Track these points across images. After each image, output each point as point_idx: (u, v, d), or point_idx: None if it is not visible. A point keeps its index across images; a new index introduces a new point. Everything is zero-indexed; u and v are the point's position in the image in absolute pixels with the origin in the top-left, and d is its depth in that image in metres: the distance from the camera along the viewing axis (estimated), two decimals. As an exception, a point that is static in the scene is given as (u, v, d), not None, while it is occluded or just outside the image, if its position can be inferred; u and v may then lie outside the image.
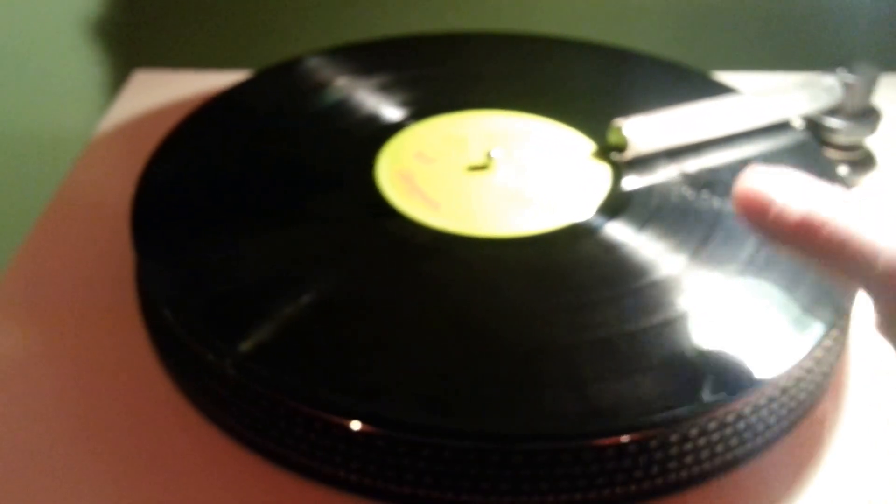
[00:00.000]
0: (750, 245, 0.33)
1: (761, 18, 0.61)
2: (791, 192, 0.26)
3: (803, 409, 0.31)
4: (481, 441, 0.26)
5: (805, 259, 0.26)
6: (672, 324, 0.29)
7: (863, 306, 0.30)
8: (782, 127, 0.41)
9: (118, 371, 0.33)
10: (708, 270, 0.32)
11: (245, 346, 0.29)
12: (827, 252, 0.25)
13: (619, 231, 0.34)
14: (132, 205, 0.35)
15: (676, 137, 0.38)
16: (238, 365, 0.28)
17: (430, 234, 0.34)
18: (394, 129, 0.40)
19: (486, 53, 0.48)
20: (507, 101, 0.42)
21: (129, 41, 0.62)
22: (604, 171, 0.38)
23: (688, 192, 0.36)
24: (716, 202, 0.35)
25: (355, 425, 0.26)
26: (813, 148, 0.40)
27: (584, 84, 0.45)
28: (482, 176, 0.37)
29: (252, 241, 0.34)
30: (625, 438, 0.26)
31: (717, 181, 0.37)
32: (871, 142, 0.44)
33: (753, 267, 0.32)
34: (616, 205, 0.35)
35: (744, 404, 0.28)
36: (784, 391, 0.29)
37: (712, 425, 0.27)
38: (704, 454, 0.28)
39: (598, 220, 0.34)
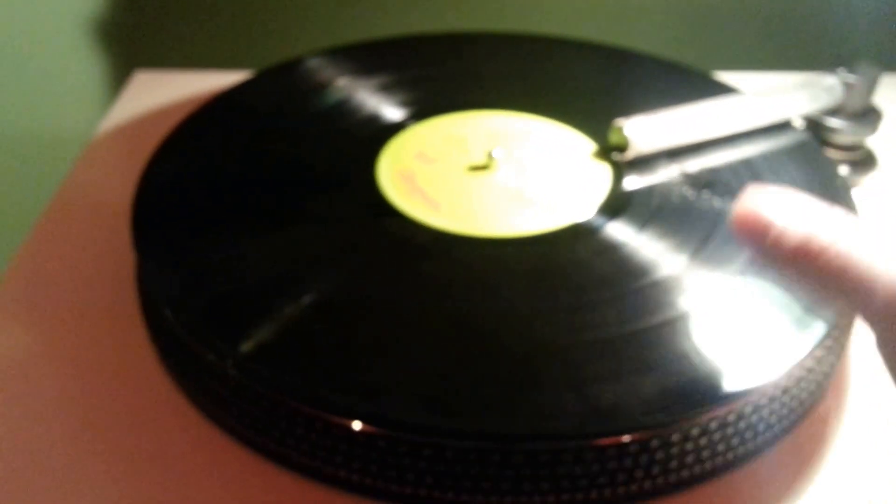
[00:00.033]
0: (751, 245, 0.33)
1: (762, 18, 0.61)
2: (790, 214, 0.25)
3: (804, 408, 0.31)
4: (482, 441, 0.26)
5: (803, 283, 0.26)
6: (673, 324, 0.29)
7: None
8: (783, 127, 0.41)
9: (119, 371, 0.33)
10: (709, 270, 0.32)
11: (246, 346, 0.28)
12: (824, 278, 0.25)
13: (619, 231, 0.34)
14: (133, 205, 0.35)
15: (677, 137, 0.38)
16: (239, 365, 0.28)
17: (430, 234, 0.34)
18: (394, 129, 0.40)
19: (487, 53, 0.48)
20: (508, 101, 0.42)
21: (130, 41, 0.62)
22: (604, 171, 0.38)
23: (688, 192, 0.36)
24: (716, 202, 0.35)
25: (356, 425, 0.26)
26: (814, 148, 0.40)
27: (585, 84, 0.45)
28: (483, 176, 0.37)
29: (253, 241, 0.34)
30: (626, 438, 0.26)
31: (717, 181, 0.37)
32: (872, 142, 0.44)
33: (754, 267, 0.32)
34: (617, 205, 0.35)
35: (745, 404, 0.28)
36: (785, 391, 0.29)
37: (713, 425, 0.27)
38: (705, 454, 0.28)
39: (599, 220, 0.34)
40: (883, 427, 0.32)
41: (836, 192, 0.36)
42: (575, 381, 0.28)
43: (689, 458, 0.28)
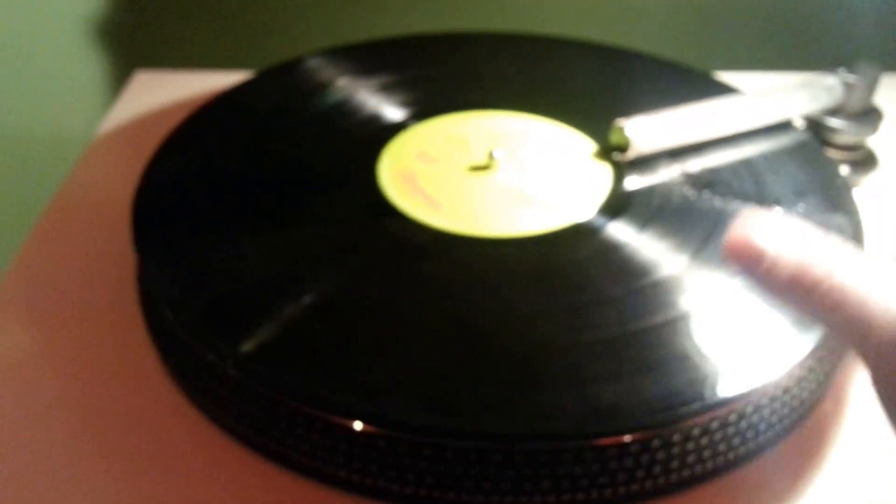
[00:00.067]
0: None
1: (763, 18, 0.61)
2: (784, 243, 0.24)
3: (805, 408, 0.31)
4: (483, 441, 0.26)
5: (799, 311, 0.25)
6: (674, 323, 0.29)
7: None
8: (784, 127, 0.41)
9: (119, 371, 0.33)
10: (709, 270, 0.32)
11: (246, 346, 0.28)
12: (818, 313, 0.24)
13: (620, 231, 0.34)
14: (133, 205, 0.35)
15: (678, 137, 0.38)
16: (239, 365, 0.28)
17: (431, 234, 0.34)
18: (395, 129, 0.40)
19: (487, 53, 0.48)
20: (509, 101, 0.42)
21: (131, 41, 0.62)
22: (605, 171, 0.38)
23: (689, 192, 0.36)
24: (717, 202, 0.35)
25: (356, 425, 0.26)
26: (814, 148, 0.40)
27: (586, 84, 0.45)
28: (484, 176, 0.37)
29: (253, 241, 0.34)
30: (627, 438, 0.26)
31: (718, 181, 0.37)
32: (873, 142, 0.44)
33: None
34: (618, 205, 0.35)
35: (746, 404, 0.28)
36: (786, 391, 0.29)
37: (714, 425, 0.27)
38: (706, 454, 0.28)
39: (600, 220, 0.34)
40: (883, 427, 0.31)
41: (836, 193, 0.36)
42: (576, 381, 0.28)
43: (691, 458, 0.28)
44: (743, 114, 0.40)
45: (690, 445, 0.27)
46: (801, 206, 0.35)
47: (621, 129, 0.38)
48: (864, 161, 0.44)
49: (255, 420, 0.29)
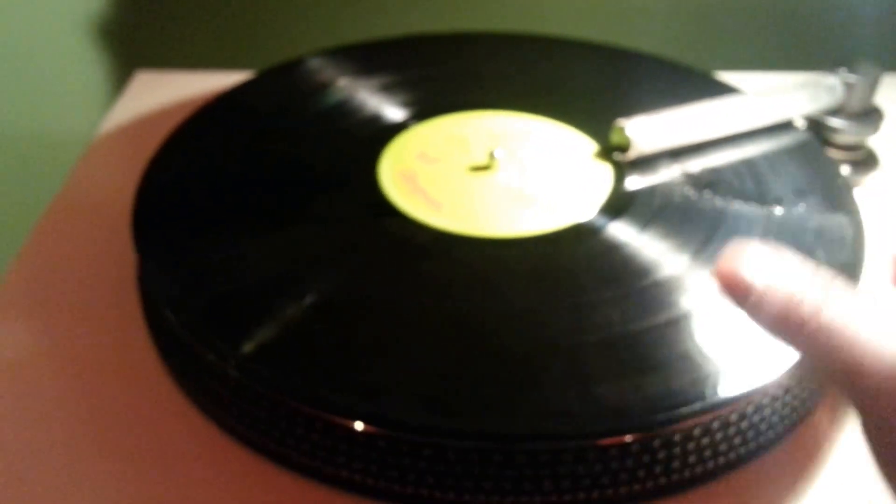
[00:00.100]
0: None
1: (764, 18, 0.61)
2: (772, 277, 0.24)
3: (806, 408, 0.31)
4: (484, 441, 0.26)
5: (790, 346, 0.24)
6: (675, 323, 0.29)
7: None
8: (785, 127, 0.41)
9: (120, 371, 0.33)
10: (710, 270, 0.32)
11: (247, 346, 0.28)
12: (806, 352, 0.23)
13: (621, 231, 0.34)
14: (134, 205, 0.35)
15: (679, 137, 0.38)
16: (240, 365, 0.28)
17: (432, 235, 0.34)
18: (396, 129, 0.40)
19: (488, 53, 0.48)
20: (510, 101, 0.42)
21: (131, 41, 0.62)
22: (606, 171, 0.38)
23: (690, 192, 0.36)
24: (718, 202, 0.35)
25: (357, 425, 0.26)
26: (815, 148, 0.40)
27: (587, 84, 0.45)
28: (485, 176, 0.37)
29: (254, 241, 0.34)
30: (628, 438, 0.26)
31: (719, 181, 0.37)
32: (874, 142, 0.44)
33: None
34: (619, 205, 0.35)
35: (747, 404, 0.28)
36: (787, 390, 0.29)
37: (716, 424, 0.27)
38: (708, 454, 0.28)
39: (601, 220, 0.34)
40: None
41: (837, 192, 0.36)
42: (576, 380, 0.28)
43: (692, 458, 0.28)
44: (744, 114, 0.40)
45: (691, 445, 0.27)
46: (801, 206, 0.35)
47: (622, 129, 0.38)
48: (865, 161, 0.44)
49: (256, 420, 0.29)
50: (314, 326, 0.30)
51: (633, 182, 0.37)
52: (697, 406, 0.27)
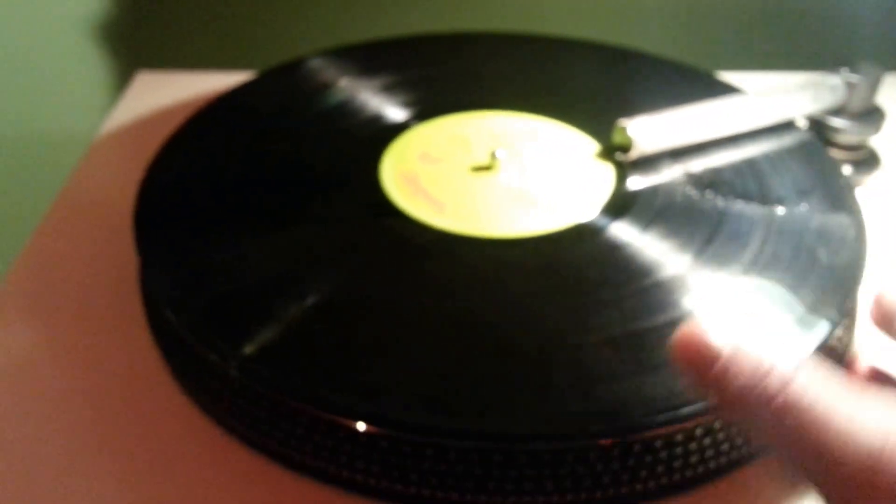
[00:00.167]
0: (754, 244, 0.33)
1: (765, 18, 0.61)
2: (741, 347, 0.22)
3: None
4: (485, 441, 0.26)
5: (747, 426, 0.22)
6: (677, 323, 0.29)
7: (867, 304, 0.30)
8: (786, 127, 0.41)
9: (121, 371, 0.33)
10: (712, 270, 0.32)
11: (248, 346, 0.28)
12: (771, 432, 0.21)
13: (623, 231, 0.34)
14: (135, 206, 0.35)
15: (681, 137, 0.38)
16: (241, 366, 0.28)
17: (434, 235, 0.34)
18: (397, 129, 0.40)
19: (489, 54, 0.48)
20: (511, 101, 0.42)
21: (133, 42, 0.62)
22: (608, 171, 0.38)
23: (692, 192, 0.36)
24: (720, 202, 0.35)
25: (359, 426, 0.26)
26: (817, 148, 0.40)
27: (589, 84, 0.45)
28: (487, 176, 0.37)
29: (256, 241, 0.34)
30: (630, 438, 0.26)
31: (721, 181, 0.37)
32: (876, 141, 0.44)
33: (758, 266, 0.32)
34: (620, 205, 0.35)
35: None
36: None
37: (717, 424, 0.27)
38: (709, 453, 0.28)
39: (603, 220, 0.34)
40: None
41: (839, 192, 0.36)
42: (578, 380, 0.27)
43: (693, 458, 0.28)
44: (746, 114, 0.40)
45: (693, 445, 0.27)
46: (803, 206, 0.35)
47: (624, 129, 0.38)
48: (867, 161, 0.44)
49: (257, 420, 0.29)
50: (316, 327, 0.30)
51: (635, 182, 0.37)
52: (699, 406, 0.27)
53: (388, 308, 0.30)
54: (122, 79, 0.61)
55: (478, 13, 0.61)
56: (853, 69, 0.42)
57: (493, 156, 0.37)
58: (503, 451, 0.26)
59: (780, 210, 0.35)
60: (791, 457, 0.21)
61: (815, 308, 0.30)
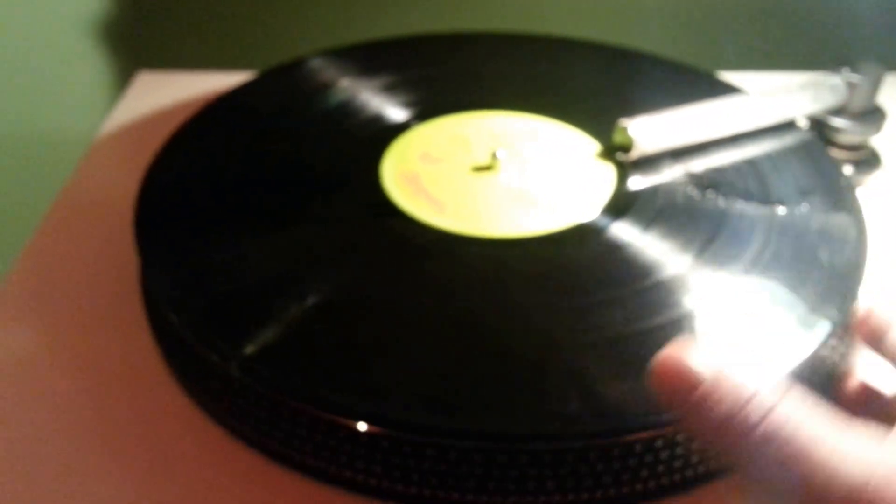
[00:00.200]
0: (755, 244, 0.33)
1: (766, 18, 0.61)
2: (723, 372, 0.21)
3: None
4: (487, 441, 0.26)
5: (727, 457, 0.21)
6: (678, 323, 0.29)
7: (868, 303, 0.30)
8: (787, 127, 0.41)
9: (122, 372, 0.33)
10: (713, 270, 0.32)
11: (249, 347, 0.28)
12: (753, 462, 0.20)
13: (624, 231, 0.34)
14: (135, 206, 0.35)
15: (681, 137, 0.38)
16: (242, 366, 0.28)
17: (435, 235, 0.34)
18: (398, 129, 0.40)
19: (490, 54, 0.48)
20: (512, 101, 0.42)
21: (133, 42, 0.62)
22: (609, 171, 0.38)
23: (693, 192, 0.36)
24: (721, 202, 0.35)
25: (360, 426, 0.26)
26: (818, 148, 0.40)
27: (589, 84, 0.45)
28: (487, 176, 0.37)
29: (256, 241, 0.34)
30: (631, 438, 0.26)
31: (722, 181, 0.37)
32: (877, 141, 0.44)
33: (759, 266, 0.32)
34: (621, 205, 0.35)
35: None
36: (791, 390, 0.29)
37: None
38: (711, 453, 0.28)
39: (604, 220, 0.34)
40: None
41: (840, 192, 0.36)
42: (580, 381, 0.27)
43: (695, 458, 0.28)
44: (746, 114, 0.40)
45: (695, 445, 0.27)
46: (804, 206, 0.35)
47: (625, 129, 0.38)
48: (868, 161, 0.44)
49: (258, 420, 0.29)
50: (316, 327, 0.30)
51: (636, 182, 0.37)
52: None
53: (388, 308, 0.30)
54: (123, 79, 0.61)
55: (478, 13, 0.61)
56: (854, 69, 0.42)
57: (494, 156, 0.37)
58: (503, 451, 0.26)
59: (781, 210, 0.35)
60: (771, 487, 0.20)
61: (816, 307, 0.30)
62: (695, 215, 0.35)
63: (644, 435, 0.26)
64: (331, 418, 0.27)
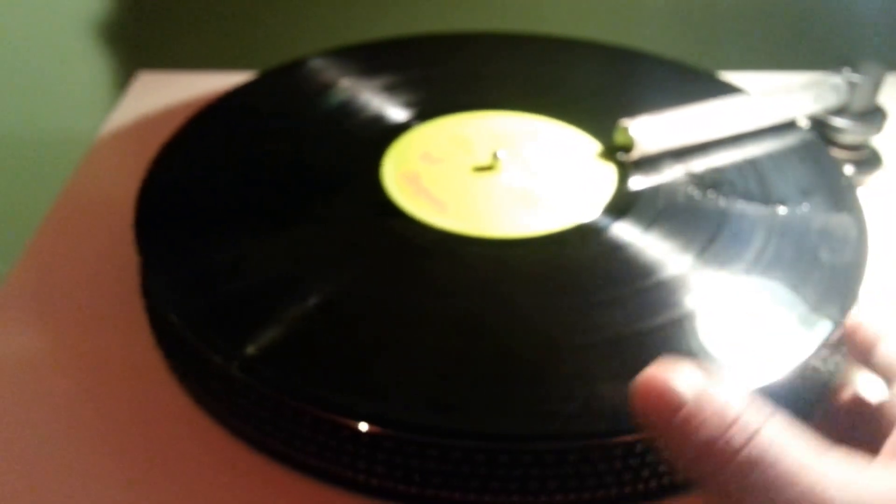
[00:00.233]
0: (756, 244, 0.33)
1: (767, 18, 0.61)
2: (707, 395, 0.21)
3: (811, 405, 0.31)
4: (489, 441, 0.26)
5: (708, 485, 0.20)
6: (679, 323, 0.29)
7: (870, 303, 0.30)
8: (788, 127, 0.41)
9: (123, 372, 0.33)
10: (714, 270, 0.32)
11: (251, 347, 0.28)
12: (735, 489, 0.20)
13: (625, 231, 0.34)
14: (136, 206, 0.35)
15: (682, 137, 0.38)
16: (243, 366, 0.28)
17: (436, 235, 0.34)
18: (399, 129, 0.40)
19: (491, 54, 0.48)
20: (513, 101, 0.42)
21: (134, 42, 0.62)
22: (610, 171, 0.38)
23: (694, 192, 0.36)
24: (722, 202, 0.35)
25: (361, 426, 0.26)
26: (819, 148, 0.40)
27: (590, 84, 0.45)
28: (488, 176, 0.37)
29: (257, 242, 0.34)
30: (632, 438, 0.26)
31: (723, 181, 0.37)
32: (877, 141, 0.44)
33: (760, 266, 0.32)
34: (622, 205, 0.35)
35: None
36: (791, 389, 0.29)
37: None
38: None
39: (605, 221, 0.34)
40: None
41: (841, 192, 0.36)
42: (581, 380, 0.27)
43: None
44: (747, 114, 0.40)
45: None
46: (805, 206, 0.35)
47: (626, 129, 0.38)
48: (869, 160, 0.44)
49: (260, 421, 0.29)
50: (318, 327, 0.30)
51: (637, 182, 0.37)
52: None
53: (389, 308, 0.30)
54: (123, 79, 0.61)
55: (478, 13, 0.61)
56: (855, 69, 0.42)
57: (495, 156, 0.37)
58: (504, 451, 0.26)
59: (782, 210, 0.35)
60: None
61: (817, 307, 0.30)
62: (696, 215, 0.35)
63: (645, 434, 0.26)
64: (332, 418, 0.27)
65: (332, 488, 0.28)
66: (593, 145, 0.39)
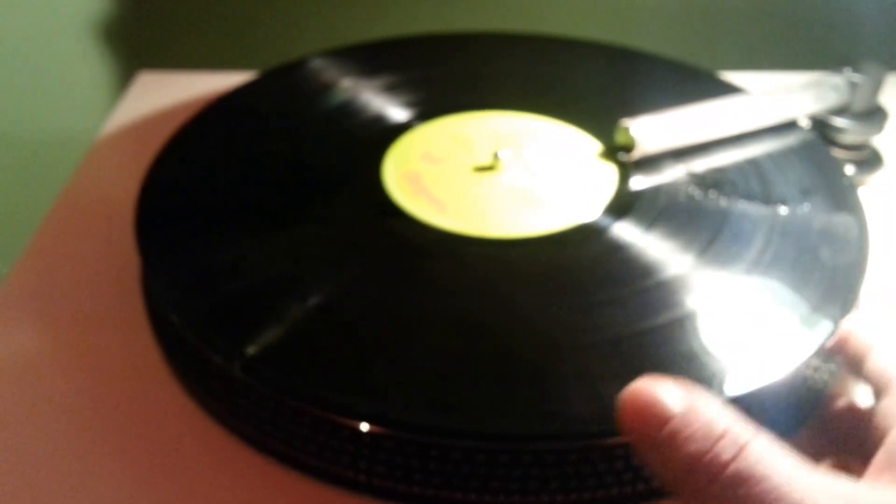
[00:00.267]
0: (757, 244, 0.33)
1: (768, 18, 0.61)
2: (695, 410, 0.20)
3: (812, 405, 0.31)
4: (489, 441, 0.26)
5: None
6: (679, 323, 0.29)
7: (871, 302, 0.30)
8: (789, 126, 0.41)
9: (124, 372, 0.33)
10: (715, 270, 0.32)
11: (251, 347, 0.28)
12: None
13: (626, 231, 0.34)
14: (136, 206, 0.35)
15: (683, 137, 0.38)
16: (244, 366, 0.28)
17: (437, 235, 0.34)
18: (400, 129, 0.40)
19: (492, 53, 0.48)
20: (514, 101, 0.42)
21: (134, 42, 0.62)
22: (611, 171, 0.37)
23: (695, 192, 0.36)
24: (723, 202, 0.35)
25: (362, 426, 0.26)
26: (820, 147, 0.40)
27: (591, 84, 0.45)
28: (489, 176, 0.37)
29: (258, 242, 0.34)
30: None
31: (724, 181, 0.37)
32: (878, 141, 0.44)
33: (761, 266, 0.32)
34: (623, 205, 0.35)
35: (752, 402, 0.28)
36: (792, 389, 0.29)
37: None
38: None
39: (606, 221, 0.34)
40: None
41: (842, 192, 0.36)
42: (582, 380, 0.27)
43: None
44: (748, 114, 0.40)
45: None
46: (806, 206, 0.35)
47: (626, 129, 0.37)
48: (870, 160, 0.44)
49: (261, 421, 0.29)
50: (319, 327, 0.30)
51: (638, 182, 0.37)
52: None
53: (390, 308, 0.30)
54: (124, 79, 0.61)
55: (478, 13, 0.61)
56: (856, 69, 0.42)
57: (496, 156, 0.37)
58: (505, 451, 0.26)
59: (783, 210, 0.35)
60: None
61: (818, 307, 0.30)
62: (697, 215, 0.35)
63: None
64: (332, 418, 0.27)
65: (333, 488, 0.28)
66: (594, 145, 0.39)
